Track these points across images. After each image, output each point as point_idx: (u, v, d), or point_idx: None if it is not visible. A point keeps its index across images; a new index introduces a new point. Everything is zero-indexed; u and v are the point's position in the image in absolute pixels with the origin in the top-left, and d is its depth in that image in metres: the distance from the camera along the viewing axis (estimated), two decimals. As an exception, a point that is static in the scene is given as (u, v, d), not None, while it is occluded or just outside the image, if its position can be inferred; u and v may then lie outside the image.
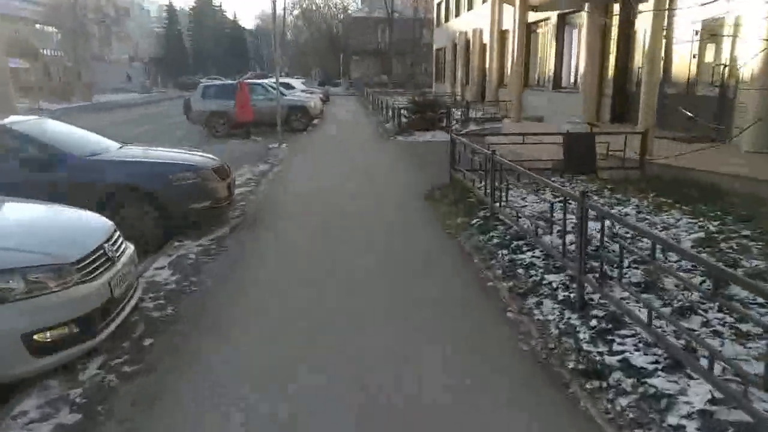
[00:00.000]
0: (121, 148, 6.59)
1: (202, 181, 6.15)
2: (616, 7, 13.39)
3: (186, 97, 18.73)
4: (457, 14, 31.06)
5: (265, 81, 20.91)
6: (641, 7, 12.49)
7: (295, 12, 65.55)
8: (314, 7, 61.52)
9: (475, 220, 6.17)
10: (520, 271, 4.61)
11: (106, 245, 3.79)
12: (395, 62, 52.47)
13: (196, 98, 17.87)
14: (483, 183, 6.90)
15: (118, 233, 4.14)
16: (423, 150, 12.85)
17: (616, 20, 13.45)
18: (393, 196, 8.17)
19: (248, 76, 58.15)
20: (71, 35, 44.34)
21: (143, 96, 43.93)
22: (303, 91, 24.29)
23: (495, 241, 5.40)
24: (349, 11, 59.60)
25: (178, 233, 6.05)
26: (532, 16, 18.83)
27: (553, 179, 8.05)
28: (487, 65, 23.86)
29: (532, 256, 4.81)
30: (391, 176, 9.80)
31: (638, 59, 12.98)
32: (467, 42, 27.62)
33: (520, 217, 5.53)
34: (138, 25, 77.88)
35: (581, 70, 14.56)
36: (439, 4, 36.99)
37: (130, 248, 4.24)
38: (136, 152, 6.51)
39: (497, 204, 6.08)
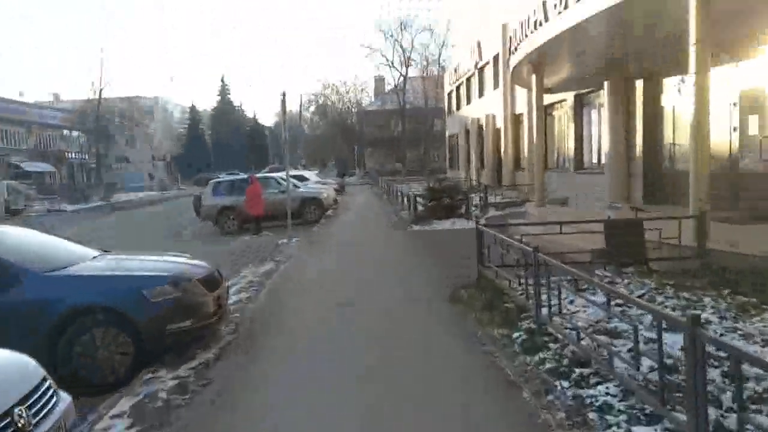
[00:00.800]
0: (96, 258, 5.68)
1: (184, 295, 5.13)
2: (639, 83, 12.83)
3: (197, 194, 18.35)
4: (469, 102, 31.34)
5: (278, 174, 20.58)
6: (667, 81, 11.92)
7: (311, 108, 68.10)
8: (329, 103, 63.70)
9: (517, 334, 4.98)
10: (593, 416, 3.37)
11: (16, 410, 2.72)
12: (409, 151, 53.10)
13: (207, 194, 17.48)
14: (521, 282, 5.78)
15: (46, 384, 3.08)
16: (443, 240, 11.84)
17: (639, 96, 12.84)
18: (413, 299, 7.03)
19: (267, 169, 59.23)
20: (94, 138, 45.97)
21: (161, 194, 44.43)
22: (317, 182, 23.97)
23: (548, 365, 4.19)
24: (363, 105, 61.50)
25: (152, 360, 4.96)
26: (548, 98, 18.48)
27: (596, 272, 6.94)
28: (502, 149, 23.47)
29: (606, 393, 3.58)
30: (410, 273, 8.71)
31: (669, 135, 12.19)
32: (480, 128, 27.52)
33: (579, 331, 4.34)
34: (162, 126, 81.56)
35: (606, 149, 13.80)
36: (450, 93, 37.69)
37: (63, 403, 3.15)
38: (109, 263, 5.58)
39: (543, 310, 4.92)
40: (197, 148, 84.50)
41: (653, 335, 3.30)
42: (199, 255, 12.87)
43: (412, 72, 53.83)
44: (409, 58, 51.93)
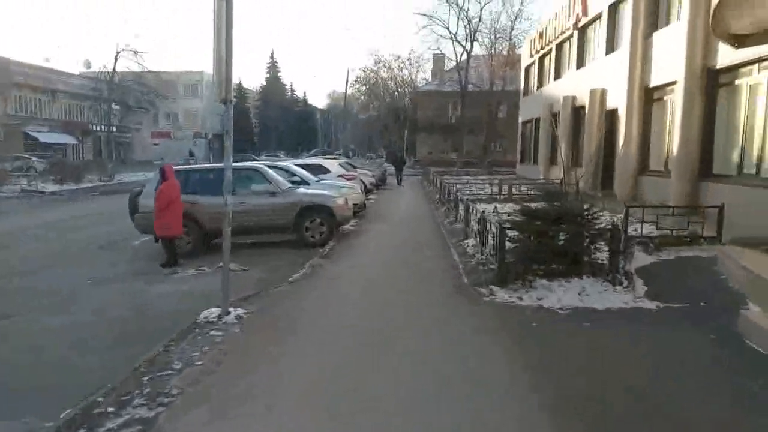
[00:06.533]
0: None
1: None
2: None
3: (136, 189, 11.52)
4: (558, 75, 23.39)
5: (266, 162, 13.69)
6: None
7: (362, 89, 60.81)
8: (380, 81, 56.21)
9: None
10: None
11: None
12: (466, 139, 45.39)
13: (149, 192, 10.63)
14: None
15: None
16: (580, 372, 4.48)
17: None
18: None
19: (313, 153, 53.59)
20: (107, 111, 40.65)
21: (179, 174, 38.58)
22: (341, 175, 16.85)
23: None
24: (418, 85, 53.78)
25: None
26: (726, 57, 10.75)
27: None
28: (619, 141, 15.57)
29: None
30: None
31: None
32: (577, 110, 19.66)
33: None
34: (209, 102, 77.05)
35: None
36: (528, 68, 29.68)
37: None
38: None
39: None
40: (242, 127, 79.77)
41: None
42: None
43: (477, 50, 45.78)
44: (475, 31, 43.86)
